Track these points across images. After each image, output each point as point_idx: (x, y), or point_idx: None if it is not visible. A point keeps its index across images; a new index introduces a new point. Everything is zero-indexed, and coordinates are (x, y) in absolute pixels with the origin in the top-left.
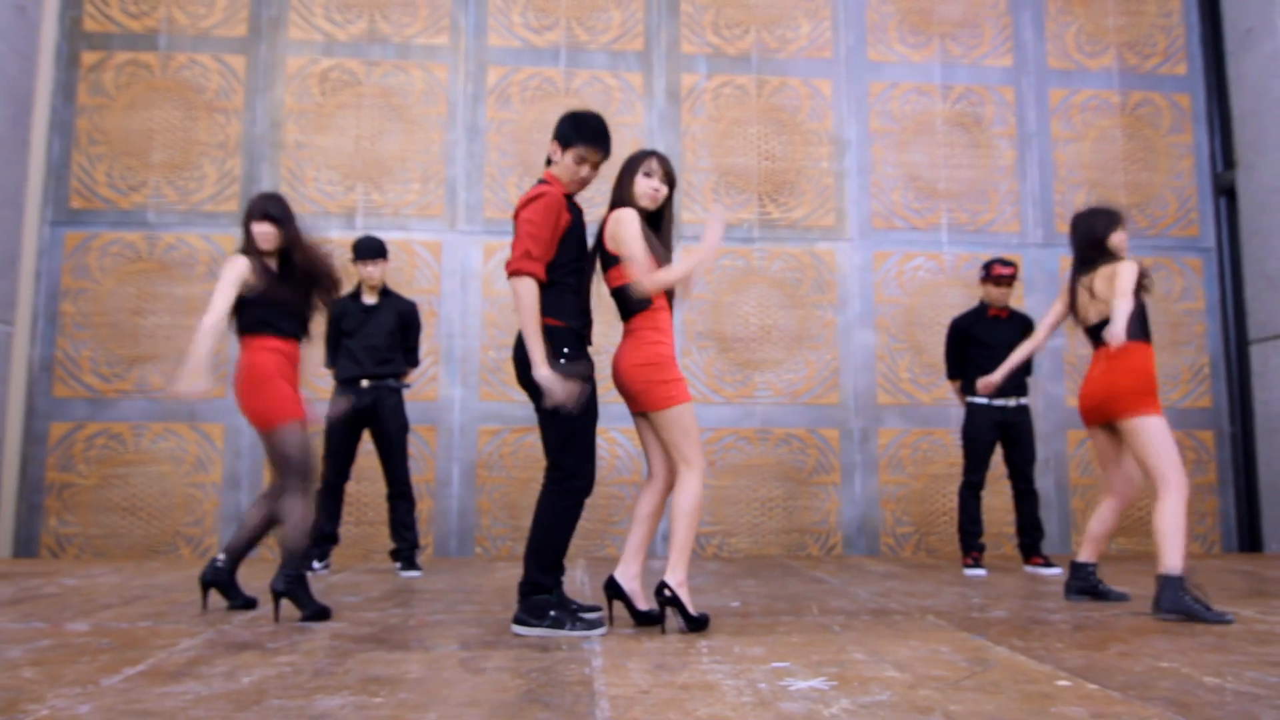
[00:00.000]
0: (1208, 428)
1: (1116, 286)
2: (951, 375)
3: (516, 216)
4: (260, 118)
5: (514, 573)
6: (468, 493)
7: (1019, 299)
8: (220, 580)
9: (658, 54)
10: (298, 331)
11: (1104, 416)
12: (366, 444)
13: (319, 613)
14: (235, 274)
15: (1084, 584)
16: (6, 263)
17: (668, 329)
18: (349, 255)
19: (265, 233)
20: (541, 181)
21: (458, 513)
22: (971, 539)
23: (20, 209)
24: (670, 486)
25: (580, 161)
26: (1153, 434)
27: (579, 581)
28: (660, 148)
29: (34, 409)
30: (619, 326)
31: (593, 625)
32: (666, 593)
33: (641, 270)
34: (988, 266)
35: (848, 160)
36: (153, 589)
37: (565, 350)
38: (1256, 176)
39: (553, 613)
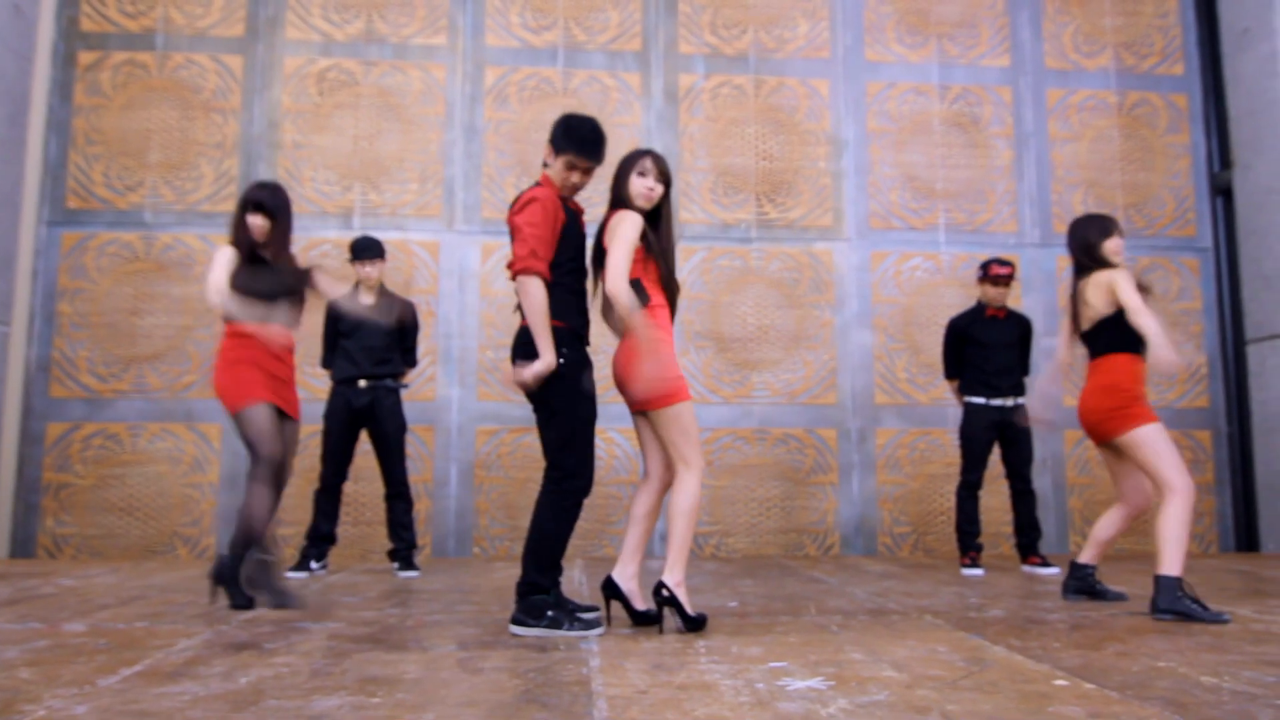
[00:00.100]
0: (1205, 427)
1: (1126, 304)
2: (949, 375)
3: (510, 221)
4: (257, 118)
5: (512, 573)
6: (465, 493)
7: (1016, 299)
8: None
9: (655, 54)
10: (282, 320)
11: (1099, 439)
12: (364, 444)
13: (247, 603)
14: (224, 258)
15: (1082, 584)
16: (3, 263)
17: (667, 327)
18: (347, 255)
19: (257, 224)
20: (535, 185)
21: (455, 513)
22: (969, 539)
23: (17, 209)
24: (666, 486)
25: (570, 168)
26: (1149, 444)
27: (577, 581)
28: (658, 148)
29: (31, 409)
30: None
31: (590, 625)
32: (664, 593)
33: (614, 272)
34: (985, 266)
35: (845, 160)
36: (150, 589)
37: (564, 350)
38: (1253, 176)
39: (550, 613)
